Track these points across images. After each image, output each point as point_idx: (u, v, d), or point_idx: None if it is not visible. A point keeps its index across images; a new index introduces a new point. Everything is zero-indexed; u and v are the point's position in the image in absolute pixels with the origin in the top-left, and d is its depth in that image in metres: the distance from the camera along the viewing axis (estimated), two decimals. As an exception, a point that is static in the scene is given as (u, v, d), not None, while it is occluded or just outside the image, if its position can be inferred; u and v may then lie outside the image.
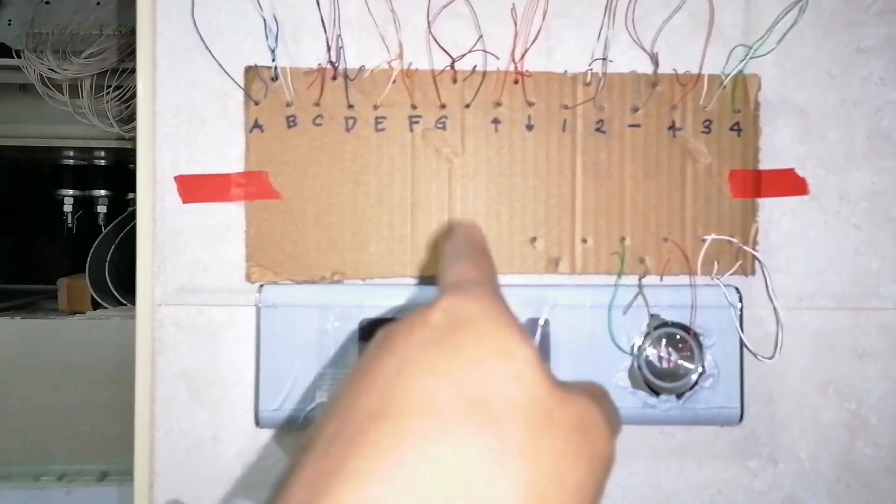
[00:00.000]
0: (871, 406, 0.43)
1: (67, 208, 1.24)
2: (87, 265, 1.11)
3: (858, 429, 0.43)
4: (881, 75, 0.44)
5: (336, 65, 0.42)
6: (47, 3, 1.14)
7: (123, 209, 1.26)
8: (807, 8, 0.43)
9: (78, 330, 0.96)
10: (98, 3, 1.14)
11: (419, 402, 0.18)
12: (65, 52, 1.08)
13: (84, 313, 1.12)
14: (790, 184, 0.43)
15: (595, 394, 0.22)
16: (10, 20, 1.15)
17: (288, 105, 0.42)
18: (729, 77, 0.42)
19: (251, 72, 0.42)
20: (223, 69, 0.41)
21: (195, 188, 0.42)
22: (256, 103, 0.42)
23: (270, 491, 0.19)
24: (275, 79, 0.42)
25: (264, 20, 0.41)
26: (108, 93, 1.09)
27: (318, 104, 0.42)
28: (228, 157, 0.42)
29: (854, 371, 0.43)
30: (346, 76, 0.42)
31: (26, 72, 1.08)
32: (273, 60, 0.41)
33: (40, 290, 1.41)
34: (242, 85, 0.42)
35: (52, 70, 1.07)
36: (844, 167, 0.43)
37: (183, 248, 0.42)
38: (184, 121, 0.42)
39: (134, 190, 1.22)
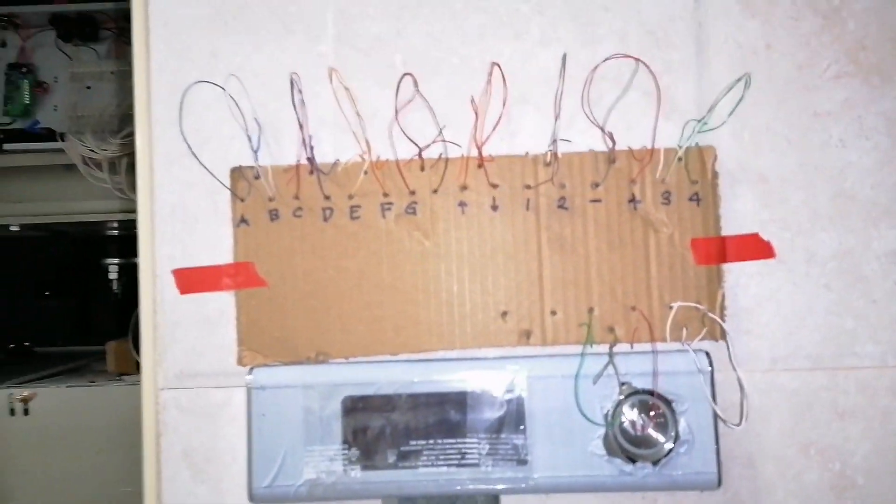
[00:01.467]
0: (856, 466, 0.43)
1: (112, 275, 1.32)
2: (130, 329, 1.17)
3: (845, 489, 0.43)
4: (840, 137, 0.44)
5: (312, 160, 0.45)
6: (88, 87, 1.23)
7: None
8: (759, 78, 0.44)
9: (119, 394, 1.02)
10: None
11: None
12: (103, 133, 1.16)
13: (129, 374, 1.18)
14: (755, 248, 0.44)
15: None
16: (55, 106, 1.25)
17: (270, 200, 0.45)
18: (682, 150, 0.43)
19: (236, 172, 0.46)
20: (210, 172, 0.45)
21: (191, 280, 0.46)
22: (242, 200, 0.45)
23: None
24: (257, 177, 0.45)
25: (245, 123, 0.45)
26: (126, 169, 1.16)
27: (297, 197, 0.45)
28: (219, 249, 0.46)
29: (835, 431, 0.43)
30: (319, 170, 0.45)
31: (69, 153, 1.17)
32: (256, 160, 0.45)
33: (95, 351, 1.49)
34: (229, 185, 0.45)
35: (91, 151, 1.15)
36: (809, 229, 0.44)
37: (181, 336, 0.46)
38: (179, 219, 0.46)
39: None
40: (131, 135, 1.16)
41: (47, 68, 1.26)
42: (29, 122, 1.22)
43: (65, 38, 1.25)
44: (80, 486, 0.95)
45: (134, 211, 1.27)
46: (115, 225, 1.35)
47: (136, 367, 1.19)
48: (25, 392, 0.98)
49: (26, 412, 0.99)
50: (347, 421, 0.44)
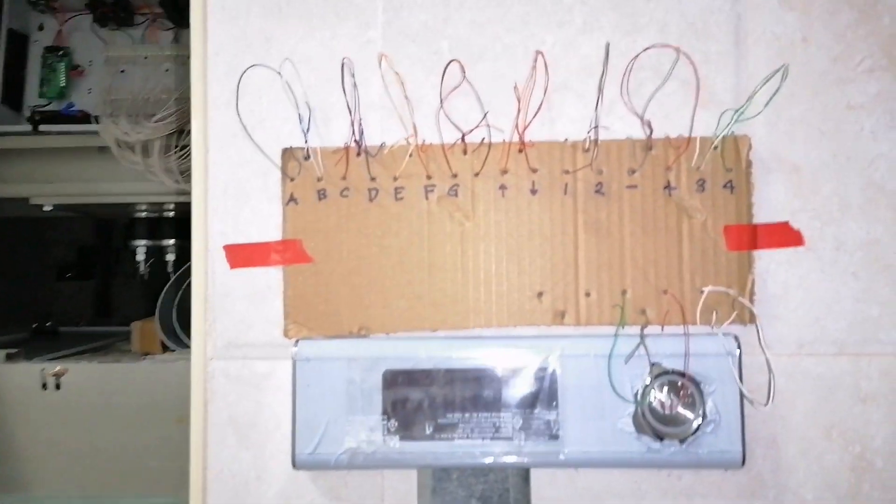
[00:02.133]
0: (876, 450, 0.45)
1: (140, 257, 1.35)
2: (157, 310, 1.20)
3: (864, 471, 0.45)
4: (872, 129, 0.46)
5: (360, 143, 0.47)
6: (122, 71, 1.26)
7: (190, 257, 1.36)
8: (796, 69, 0.46)
9: (147, 372, 1.05)
10: (167, 70, 1.26)
11: None
12: (137, 116, 1.19)
13: (153, 354, 1.21)
14: (785, 236, 0.46)
15: None
16: (90, 89, 1.28)
17: (318, 180, 0.47)
18: (718, 139, 0.45)
19: (287, 153, 0.48)
20: (263, 152, 0.47)
21: (241, 255, 0.48)
22: (292, 179, 0.47)
23: None
24: (307, 157, 0.47)
25: (297, 106, 0.47)
26: (175, 152, 1.19)
27: (344, 178, 0.47)
28: (268, 227, 0.48)
29: (857, 415, 0.45)
30: (367, 153, 0.47)
31: (103, 135, 1.19)
32: (305, 142, 0.47)
33: (117, 331, 1.53)
34: (280, 164, 0.48)
35: (125, 133, 1.18)
36: (839, 219, 0.45)
37: (230, 308, 0.48)
38: (231, 196, 0.48)
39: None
40: (164, 118, 1.19)
41: (83, 52, 1.29)
42: (64, 105, 1.26)
43: (101, 23, 1.28)
44: (108, 460, 0.99)
45: (164, 193, 1.29)
46: (144, 207, 1.38)
47: (162, 347, 1.23)
48: (58, 367, 1.01)
49: (58, 387, 1.02)
50: (387, 393, 0.46)
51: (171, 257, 1.35)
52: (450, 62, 0.47)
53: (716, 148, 0.45)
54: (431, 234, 0.47)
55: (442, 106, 0.47)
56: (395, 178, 0.47)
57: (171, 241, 1.35)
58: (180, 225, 1.38)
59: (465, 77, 0.46)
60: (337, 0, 0.48)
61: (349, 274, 0.47)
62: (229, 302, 0.48)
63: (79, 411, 1.00)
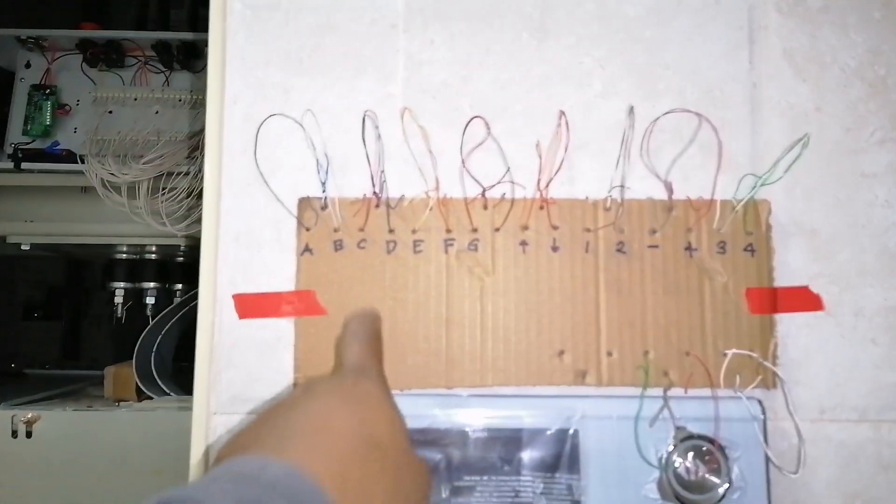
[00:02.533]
0: (901, 520, 0.44)
1: (118, 299, 1.31)
2: (135, 354, 1.16)
3: (890, 543, 0.44)
4: (886, 198, 0.47)
5: (379, 195, 0.46)
6: (110, 112, 1.24)
7: (170, 300, 1.32)
8: (811, 138, 0.47)
9: (124, 420, 1.00)
10: (156, 113, 1.25)
11: (337, 427, 0.31)
12: (124, 157, 1.17)
13: (128, 401, 1.16)
14: (805, 300, 0.46)
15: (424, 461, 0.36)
16: (75, 128, 1.26)
17: (335, 231, 0.46)
18: (741, 203, 0.45)
19: (304, 202, 0.47)
20: (279, 200, 0.46)
21: (251, 305, 0.46)
22: (308, 229, 0.46)
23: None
24: (324, 207, 0.46)
25: (316, 156, 0.47)
26: (162, 194, 1.17)
27: (362, 229, 0.46)
28: (280, 277, 0.46)
29: (880, 484, 0.44)
30: (388, 205, 0.46)
31: (88, 176, 1.17)
32: (323, 192, 0.46)
33: (86, 375, 1.47)
34: (296, 213, 0.46)
35: (112, 174, 1.16)
36: (857, 284, 0.46)
37: (237, 360, 0.46)
38: (243, 245, 0.47)
39: (180, 282, 1.28)
40: (153, 160, 1.17)
41: (70, 91, 1.27)
42: (49, 143, 1.23)
43: (90, 63, 1.27)
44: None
45: (146, 235, 1.27)
46: (125, 249, 1.34)
47: (137, 394, 1.18)
48: (30, 414, 0.96)
49: (29, 435, 0.97)
50: (402, 454, 0.44)
51: (150, 300, 1.31)
52: (472, 118, 0.47)
53: (736, 211, 0.46)
54: (450, 288, 0.46)
55: (464, 160, 0.46)
56: (414, 231, 0.46)
57: (152, 285, 1.31)
58: (161, 268, 1.35)
59: (491, 134, 0.46)
60: (357, 55, 0.48)
61: (364, 328, 0.46)
62: (236, 353, 0.46)
63: (51, 461, 0.94)
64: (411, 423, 0.44)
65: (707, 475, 0.43)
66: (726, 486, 0.42)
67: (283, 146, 0.47)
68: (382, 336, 0.43)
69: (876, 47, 0.48)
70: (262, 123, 0.47)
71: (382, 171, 0.46)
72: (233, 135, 0.47)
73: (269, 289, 0.46)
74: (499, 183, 0.46)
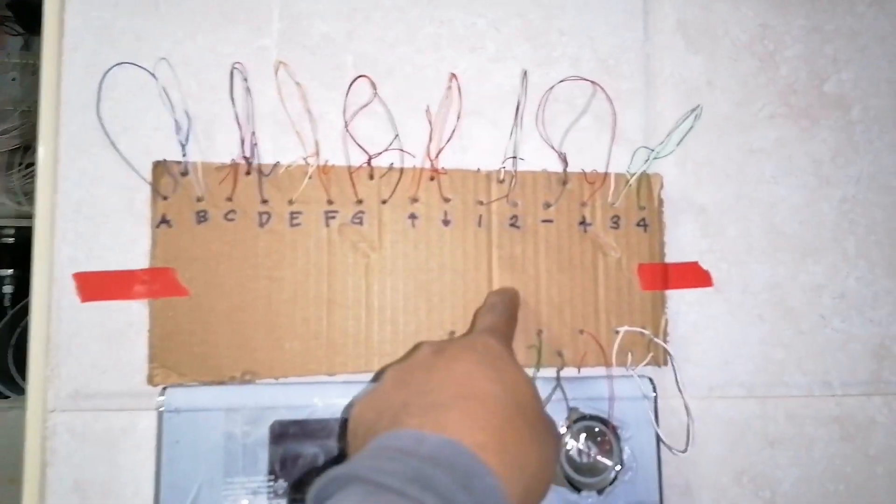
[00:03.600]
0: (785, 494, 0.44)
1: (7, 288, 1.16)
2: (10, 346, 1.03)
3: (774, 517, 0.44)
4: (773, 174, 0.47)
5: (250, 160, 0.41)
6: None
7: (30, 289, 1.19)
8: (703, 112, 0.46)
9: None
10: (13, 80, 1.12)
11: (485, 392, 0.30)
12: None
13: (6, 397, 1.03)
14: (695, 276, 0.45)
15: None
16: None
17: (199, 200, 0.41)
18: (634, 177, 0.44)
19: (160, 167, 0.41)
20: (129, 164, 0.40)
21: (95, 286, 0.40)
22: (165, 198, 0.40)
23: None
24: (185, 173, 0.41)
25: (174, 114, 0.41)
26: (18, 170, 1.04)
27: (230, 199, 0.41)
28: (133, 252, 0.40)
29: (766, 459, 0.44)
30: (260, 171, 0.41)
31: (-70, 147, 1.03)
32: (184, 155, 0.41)
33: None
34: (150, 180, 0.40)
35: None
36: (744, 260, 0.46)
37: (79, 350, 0.40)
38: (85, 216, 0.40)
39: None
40: (7, 132, 1.04)
41: None
42: None
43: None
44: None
45: (3, 216, 1.13)
46: (11, 232, 1.19)
47: (18, 389, 1.05)
48: None
49: None
50: (275, 449, 0.39)
51: (8, 289, 1.17)
52: (357, 78, 0.43)
53: (630, 185, 0.44)
54: (332, 265, 0.42)
55: (347, 124, 0.42)
56: (291, 202, 0.42)
57: (10, 272, 1.17)
58: (20, 253, 1.20)
59: (378, 94, 0.42)
60: (224, 2, 0.43)
61: (233, 310, 0.41)
62: (78, 342, 0.40)
63: None
64: (287, 415, 0.40)
65: (599, 457, 0.41)
66: (618, 467, 0.41)
67: (135, 102, 0.41)
68: (263, 319, 0.40)
69: (766, 22, 0.48)
70: (106, 73, 0.40)
71: (253, 134, 0.41)
72: (73, 87, 0.41)
73: (117, 266, 0.40)
74: (386, 150, 0.42)
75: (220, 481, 0.39)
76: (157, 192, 0.40)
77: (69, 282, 0.40)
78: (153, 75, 0.41)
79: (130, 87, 0.41)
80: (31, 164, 1.03)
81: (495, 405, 0.29)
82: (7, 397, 1.03)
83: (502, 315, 0.39)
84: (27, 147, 1.04)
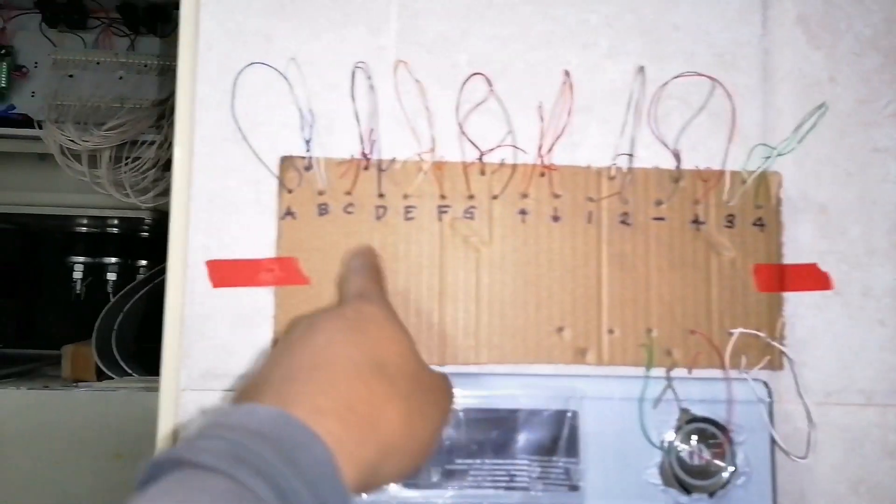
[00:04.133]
0: (906, 507, 0.42)
1: (77, 275, 1.24)
2: (95, 333, 1.10)
3: (894, 530, 0.42)
4: (898, 174, 0.45)
5: (369, 156, 0.43)
6: (71, 76, 1.17)
7: (132, 277, 1.26)
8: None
9: (83, 401, 0.94)
10: (120, 78, 1.18)
11: (338, 357, 0.30)
12: (85, 124, 1.11)
13: (87, 381, 1.10)
14: (813, 278, 0.44)
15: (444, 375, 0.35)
16: (33, 92, 1.19)
17: (320, 193, 0.43)
18: (753, 175, 0.43)
19: (286, 161, 0.43)
20: (259, 159, 0.42)
21: (226, 273, 0.42)
22: (290, 191, 0.43)
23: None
24: (308, 168, 0.43)
25: (300, 111, 0.43)
26: (126, 164, 1.11)
27: (349, 193, 0.43)
28: (259, 243, 0.43)
29: (885, 470, 0.43)
30: (379, 167, 0.43)
31: (46, 142, 1.10)
32: (307, 151, 0.43)
33: (42, 355, 1.40)
34: (277, 174, 0.43)
35: (72, 141, 1.09)
36: (866, 263, 0.44)
37: (210, 333, 0.42)
38: (217, 207, 0.43)
39: (145, 258, 1.22)
40: (116, 127, 1.11)
41: (27, 52, 1.20)
42: (3, 107, 1.16)
43: (50, 23, 1.19)
44: (37, 499, 0.88)
45: (107, 207, 1.21)
46: (85, 222, 1.28)
47: (97, 374, 1.12)
48: (-19, 393, 0.90)
49: (-19, 415, 0.91)
50: (388, 435, 0.41)
51: (111, 277, 1.25)
52: (471, 75, 0.43)
53: (746, 183, 0.43)
54: (443, 259, 0.43)
55: (461, 122, 0.43)
56: (406, 196, 0.43)
57: (114, 260, 1.25)
58: (124, 242, 1.28)
59: (492, 91, 0.43)
60: (346, 2, 0.44)
61: (349, 300, 0.42)
62: (209, 326, 0.42)
63: (4, 444, 0.88)
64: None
65: (711, 459, 0.40)
66: (731, 470, 0.40)
67: (264, 100, 0.43)
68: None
69: (892, 16, 0.46)
70: (240, 73, 0.43)
71: (373, 130, 0.43)
72: (207, 86, 0.43)
73: (246, 255, 0.43)
74: (498, 147, 0.43)
75: (337, 463, 0.40)
76: (283, 186, 0.43)
77: (202, 269, 0.42)
78: (283, 75, 0.43)
79: (260, 86, 0.43)
80: (138, 159, 1.10)
81: (347, 369, 0.29)
82: (111, 378, 1.10)
83: (369, 274, 0.38)
84: (133, 142, 1.11)
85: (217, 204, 0.43)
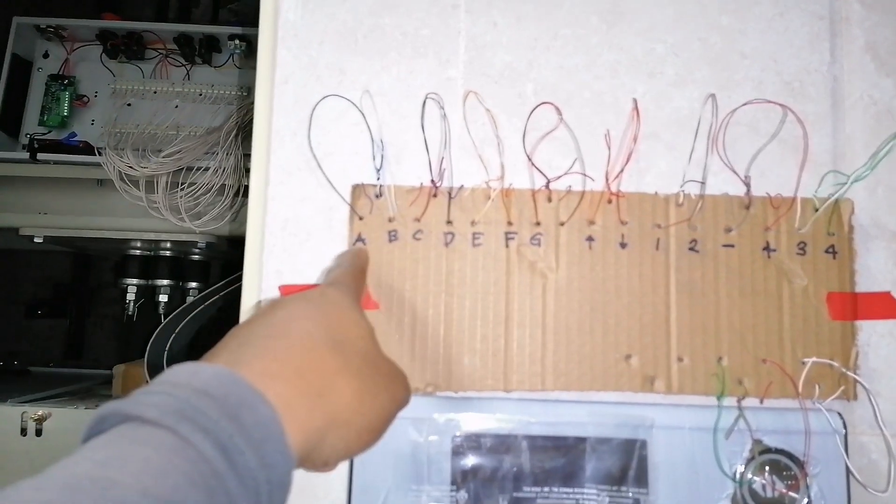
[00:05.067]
0: None
1: (131, 296, 1.28)
2: (147, 353, 1.12)
3: (979, 570, 0.41)
4: (973, 202, 0.44)
5: (438, 184, 0.44)
6: (129, 105, 1.22)
7: (183, 299, 1.29)
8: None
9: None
10: (176, 107, 1.23)
11: (294, 329, 0.30)
12: (143, 151, 1.15)
13: (138, 401, 1.12)
14: (887, 307, 0.43)
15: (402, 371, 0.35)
16: (93, 120, 1.24)
17: (390, 220, 0.44)
18: (826, 203, 0.43)
19: (358, 189, 0.44)
20: (332, 186, 0.44)
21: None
22: (361, 218, 0.44)
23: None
24: (379, 195, 0.44)
25: (372, 141, 0.44)
26: (181, 189, 1.14)
27: (418, 220, 0.44)
28: (330, 268, 0.44)
29: (968, 506, 0.41)
30: (449, 194, 0.44)
31: (106, 168, 1.14)
32: (378, 179, 0.44)
33: (91, 374, 1.44)
34: (349, 201, 0.44)
35: (130, 167, 1.13)
36: (943, 291, 0.43)
37: (281, 356, 0.43)
38: (290, 233, 0.44)
39: (195, 280, 1.24)
40: (172, 154, 1.14)
41: (89, 82, 1.25)
42: (65, 135, 1.21)
43: (110, 55, 1.24)
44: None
45: (161, 230, 1.24)
46: (139, 245, 1.31)
47: (147, 394, 1.14)
48: (41, 411, 0.93)
49: (38, 433, 0.93)
50: (457, 460, 0.41)
51: (163, 298, 1.28)
52: (539, 105, 0.44)
53: (817, 210, 0.43)
54: (510, 285, 0.43)
55: (529, 150, 0.44)
56: (474, 223, 0.44)
57: (165, 282, 1.28)
58: (175, 265, 1.32)
59: (562, 120, 0.44)
60: (416, 35, 0.46)
61: (417, 324, 0.43)
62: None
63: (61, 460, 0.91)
64: (468, 428, 0.41)
65: (786, 492, 0.40)
66: (805, 503, 0.40)
67: (336, 130, 0.45)
68: (444, 334, 0.42)
69: (964, 42, 0.45)
70: (317, 104, 0.44)
71: (443, 159, 0.44)
72: (283, 117, 0.45)
73: (317, 281, 0.44)
74: (566, 174, 0.44)
75: (406, 488, 0.41)
76: (354, 213, 0.44)
77: (275, 293, 0.44)
78: (356, 106, 0.44)
79: (332, 117, 0.45)
80: (193, 184, 1.13)
81: (302, 339, 0.30)
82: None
83: (348, 269, 0.39)
84: (189, 168, 1.14)
85: (290, 230, 0.44)
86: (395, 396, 0.33)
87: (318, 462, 0.30)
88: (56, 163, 1.19)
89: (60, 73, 1.25)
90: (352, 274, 0.39)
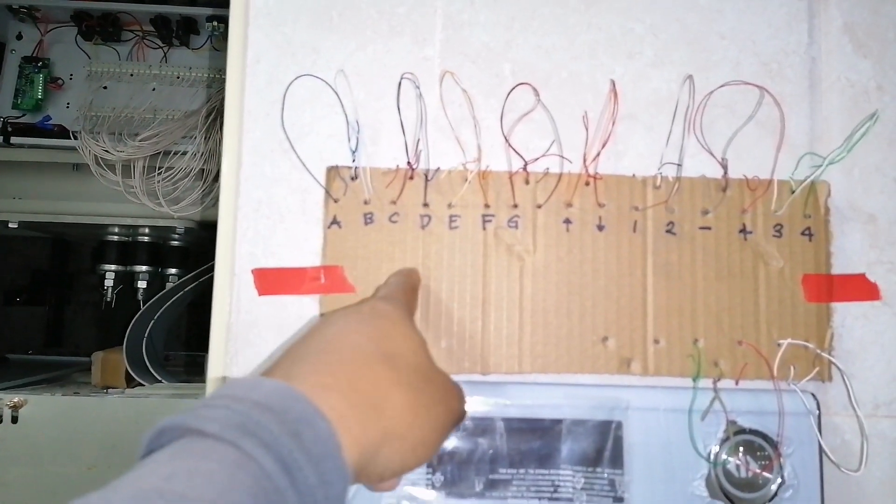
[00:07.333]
0: (961, 523, 0.41)
1: (108, 283, 1.26)
2: (125, 340, 1.11)
3: (948, 547, 0.41)
4: (948, 184, 0.44)
5: (414, 166, 0.43)
6: (105, 88, 1.20)
7: (162, 285, 1.28)
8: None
9: (114, 407, 0.96)
10: (153, 89, 1.20)
11: (347, 344, 0.30)
12: (120, 135, 1.13)
13: (117, 388, 1.11)
14: (862, 289, 0.43)
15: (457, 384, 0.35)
16: (68, 103, 1.21)
17: (366, 203, 0.43)
18: (803, 184, 0.43)
19: (332, 171, 0.43)
20: (306, 168, 0.43)
21: (272, 281, 0.43)
22: (336, 201, 0.43)
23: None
24: (354, 178, 0.43)
25: (347, 122, 0.43)
26: (158, 173, 1.13)
27: (394, 202, 0.43)
28: (305, 251, 0.43)
29: (940, 485, 0.42)
30: (426, 177, 0.43)
31: (81, 152, 1.12)
32: (353, 161, 0.43)
33: (71, 361, 1.42)
34: (323, 183, 0.43)
35: (106, 151, 1.11)
36: (917, 273, 0.43)
37: (255, 340, 0.43)
38: (264, 216, 0.43)
39: (175, 266, 1.23)
40: (149, 138, 1.13)
41: (63, 64, 1.22)
42: (40, 118, 1.18)
43: (85, 36, 1.22)
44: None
45: (139, 216, 1.22)
46: (116, 230, 1.30)
47: (127, 380, 1.13)
48: (17, 398, 0.91)
49: (14, 420, 0.92)
50: (433, 443, 0.41)
51: (141, 284, 1.27)
52: (517, 85, 0.44)
53: (794, 193, 0.43)
54: (487, 267, 0.43)
55: (506, 131, 0.43)
56: (451, 206, 0.43)
57: (144, 268, 1.27)
58: (154, 251, 1.30)
59: (539, 100, 0.43)
60: (392, 14, 0.45)
61: (393, 308, 0.42)
62: (255, 332, 0.43)
63: (37, 448, 0.90)
64: (444, 411, 0.41)
65: (759, 472, 0.40)
66: (779, 483, 0.40)
67: (311, 111, 0.44)
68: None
69: (941, 24, 0.45)
70: (290, 84, 0.43)
71: (418, 140, 0.43)
72: (255, 97, 0.44)
73: (291, 263, 0.43)
74: (543, 156, 0.43)
75: (382, 471, 0.41)
76: (329, 195, 0.43)
77: (248, 276, 0.43)
78: (331, 86, 0.43)
79: (306, 97, 0.44)
80: (170, 169, 1.11)
81: (354, 353, 0.30)
82: (142, 385, 1.11)
83: (401, 287, 0.39)
84: (166, 152, 1.12)
85: (264, 213, 0.43)
86: (451, 409, 0.33)
87: (373, 476, 0.29)
88: (30, 146, 1.16)
89: (34, 55, 1.22)
90: (403, 290, 0.39)
